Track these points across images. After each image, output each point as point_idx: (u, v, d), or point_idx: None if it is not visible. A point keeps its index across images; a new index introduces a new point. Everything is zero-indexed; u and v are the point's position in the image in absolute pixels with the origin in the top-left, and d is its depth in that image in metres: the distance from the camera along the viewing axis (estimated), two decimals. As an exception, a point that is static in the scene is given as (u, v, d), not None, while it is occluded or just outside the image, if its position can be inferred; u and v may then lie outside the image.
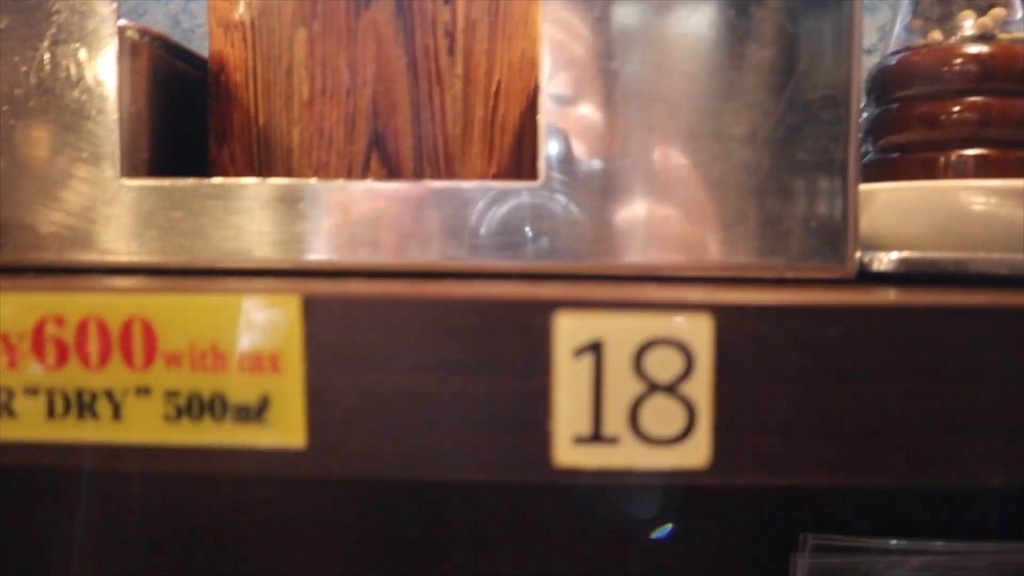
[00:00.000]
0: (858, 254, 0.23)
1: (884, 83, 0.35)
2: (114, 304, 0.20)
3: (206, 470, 0.20)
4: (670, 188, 0.24)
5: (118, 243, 0.27)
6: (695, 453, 0.18)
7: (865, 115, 0.36)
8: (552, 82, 0.25)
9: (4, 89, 0.27)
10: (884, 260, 0.23)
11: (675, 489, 0.46)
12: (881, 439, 0.17)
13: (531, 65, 0.29)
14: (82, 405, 0.20)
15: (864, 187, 0.28)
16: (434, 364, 0.19)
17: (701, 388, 0.18)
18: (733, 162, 0.23)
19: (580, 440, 0.19)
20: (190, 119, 0.30)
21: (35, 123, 0.27)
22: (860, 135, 0.37)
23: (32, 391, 0.20)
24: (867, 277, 0.23)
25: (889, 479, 0.17)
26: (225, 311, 0.19)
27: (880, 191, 0.28)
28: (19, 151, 0.27)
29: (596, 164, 0.24)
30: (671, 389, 0.18)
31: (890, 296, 0.18)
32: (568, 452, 0.19)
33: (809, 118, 0.23)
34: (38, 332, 0.20)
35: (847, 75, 0.22)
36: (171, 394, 0.20)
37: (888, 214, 0.27)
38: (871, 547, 0.43)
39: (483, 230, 0.25)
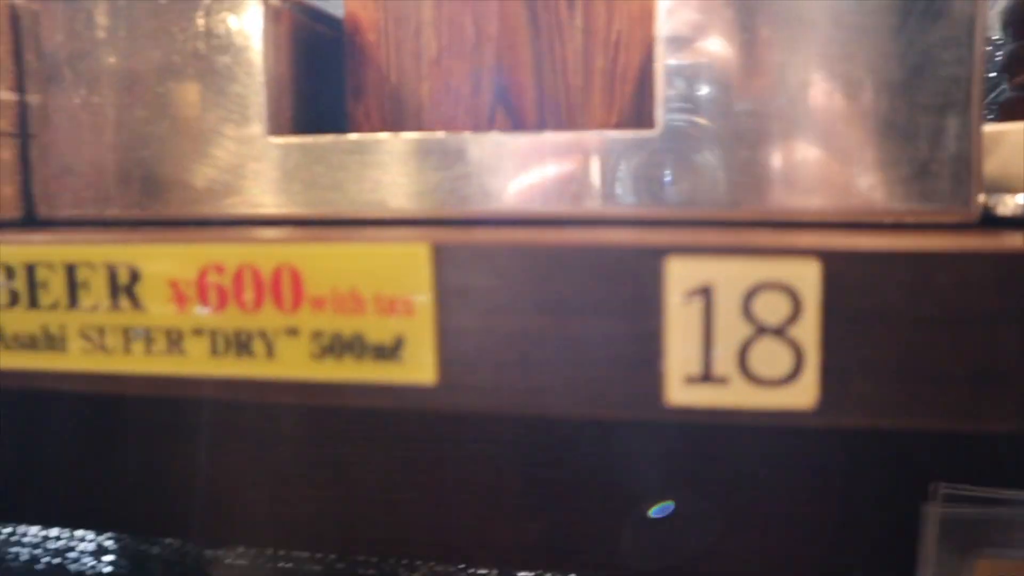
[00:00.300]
0: (982, 197, 0.22)
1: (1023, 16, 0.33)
2: (266, 253, 0.22)
3: (348, 403, 0.22)
4: (786, 134, 0.24)
5: (265, 196, 0.29)
6: (802, 394, 0.19)
7: (1001, 51, 0.34)
8: (668, 31, 0.25)
9: (165, 58, 0.30)
10: (1010, 203, 0.22)
11: (804, 436, 0.45)
12: (991, 384, 0.17)
13: (650, 14, 0.29)
14: (240, 344, 0.22)
15: (993, 128, 0.27)
16: (553, 307, 0.20)
17: (808, 331, 0.18)
18: (851, 105, 0.23)
19: (691, 380, 0.20)
20: (328, 78, 0.32)
21: (191, 88, 0.30)
22: (994, 72, 0.35)
23: (198, 332, 0.23)
24: (993, 221, 0.23)
25: (999, 424, 0.17)
26: (363, 259, 0.21)
27: (1010, 132, 0.26)
28: (178, 113, 0.30)
29: (712, 112, 0.25)
30: (779, 332, 0.19)
31: (1003, 241, 0.18)
32: (679, 391, 0.20)
33: (930, 59, 0.22)
34: (201, 279, 0.23)
35: (971, 13, 0.22)
36: (316, 335, 0.22)
37: (1019, 155, 0.26)
38: (1009, 499, 0.41)
39: (603, 178, 0.26)
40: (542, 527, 0.48)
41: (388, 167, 0.28)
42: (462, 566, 0.52)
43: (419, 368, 0.21)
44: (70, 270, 0.23)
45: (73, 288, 0.23)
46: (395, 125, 0.31)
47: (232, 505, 0.54)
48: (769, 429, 0.45)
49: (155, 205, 0.30)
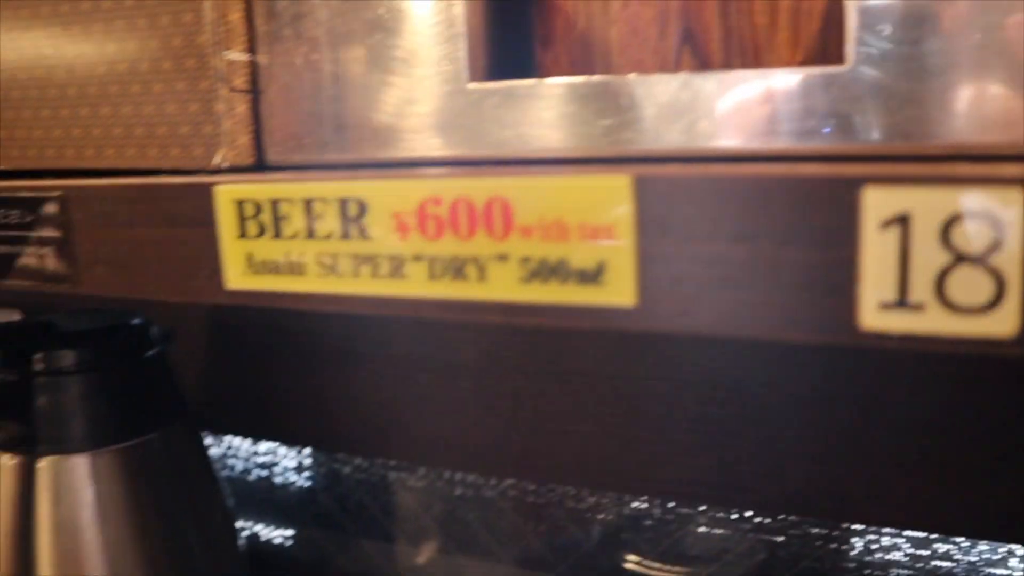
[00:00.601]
0: None
1: None
2: (479, 187, 0.24)
3: (553, 323, 0.24)
4: (983, 64, 0.24)
5: (467, 138, 0.32)
6: (1002, 323, 0.19)
7: None
8: (862, -36, 0.25)
9: (374, 14, 0.32)
10: None
11: (999, 372, 0.44)
12: None
13: (841, -51, 0.29)
14: (455, 269, 0.25)
15: None
16: (748, 234, 0.21)
17: (1011, 260, 0.19)
18: (1062, 35, 0.23)
19: (885, 306, 0.20)
20: (517, 27, 0.34)
21: (397, 41, 0.32)
22: None
23: (418, 258, 0.25)
24: None
25: None
26: (569, 190, 0.23)
27: None
28: (385, 65, 0.33)
29: (903, 45, 0.25)
30: (979, 261, 0.19)
31: None
32: (874, 317, 0.21)
33: None
34: (421, 211, 0.25)
35: None
36: (525, 260, 0.24)
37: None
38: None
39: (791, 114, 0.27)
40: (711, 464, 0.49)
41: (580, 109, 0.30)
42: (628, 498, 0.54)
43: (619, 292, 0.23)
44: (308, 204, 0.27)
45: (310, 220, 0.27)
46: (583, 71, 0.32)
47: (418, 430, 0.59)
48: (954, 364, 0.44)
49: (366, 149, 0.33)
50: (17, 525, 0.48)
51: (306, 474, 0.66)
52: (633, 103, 0.29)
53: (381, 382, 0.59)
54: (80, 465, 0.49)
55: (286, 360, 0.63)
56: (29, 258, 0.35)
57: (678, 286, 0.22)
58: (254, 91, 0.34)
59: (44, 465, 0.48)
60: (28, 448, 0.48)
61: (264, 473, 0.68)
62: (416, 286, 0.26)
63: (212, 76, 0.34)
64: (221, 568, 0.55)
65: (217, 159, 0.34)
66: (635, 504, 0.55)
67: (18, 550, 0.48)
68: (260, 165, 0.35)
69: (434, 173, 0.26)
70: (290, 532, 0.68)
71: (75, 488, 0.49)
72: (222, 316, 0.65)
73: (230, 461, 0.69)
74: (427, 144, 0.32)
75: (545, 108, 0.30)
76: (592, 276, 0.23)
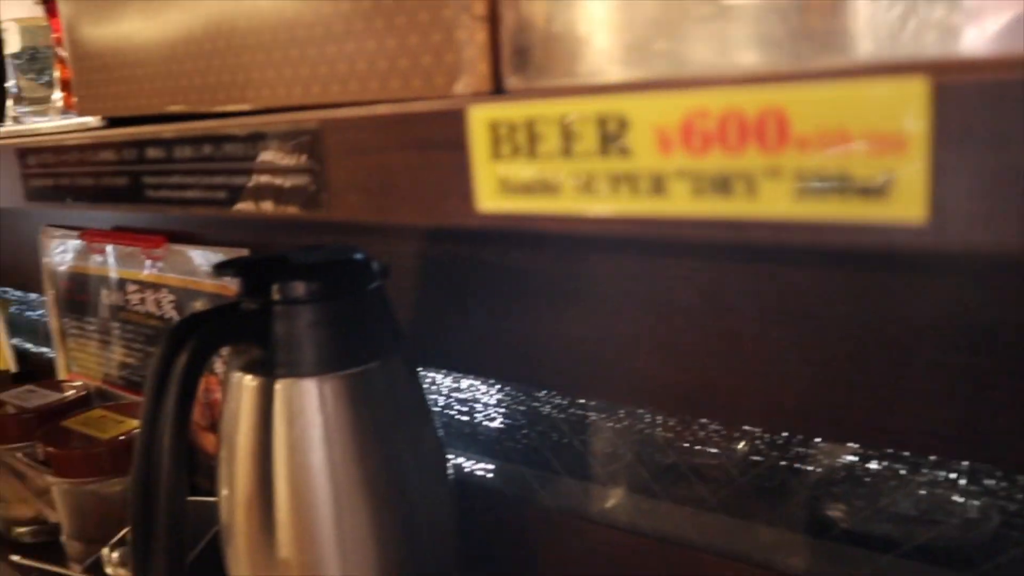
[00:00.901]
0: None
1: None
2: (751, 98, 0.23)
3: (830, 243, 0.23)
4: None
5: (719, 54, 0.30)
6: None
7: None
8: None
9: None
10: None
11: None
12: None
13: None
14: (721, 185, 0.24)
15: None
16: (1073, 141, 0.19)
17: None
18: None
19: None
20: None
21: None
22: None
23: (680, 174, 0.25)
24: None
25: None
26: (854, 97, 0.22)
27: None
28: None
29: None
30: None
31: None
32: None
33: None
34: (686, 126, 0.25)
35: None
36: (799, 174, 0.23)
37: None
38: None
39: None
40: (949, 417, 0.46)
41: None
42: (846, 449, 0.52)
43: (908, 207, 0.21)
44: (564, 123, 0.27)
45: (566, 139, 0.27)
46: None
47: (624, 370, 0.59)
48: None
49: (605, 72, 0.33)
50: (259, 441, 0.52)
51: (505, 411, 0.68)
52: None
53: (589, 321, 0.59)
54: (310, 388, 0.52)
55: (491, 298, 0.64)
56: (286, 188, 0.37)
57: (979, 199, 0.21)
58: (493, 18, 0.35)
59: (280, 387, 0.52)
60: (267, 371, 0.52)
61: (465, 408, 0.70)
62: (678, 204, 0.25)
63: (454, 5, 0.34)
64: (433, 493, 0.58)
65: (458, 87, 0.34)
66: (852, 457, 0.52)
67: (260, 464, 0.52)
68: (499, 91, 0.35)
69: (704, 83, 0.25)
70: (491, 465, 0.70)
71: (306, 409, 0.52)
72: (431, 253, 0.67)
73: (432, 396, 0.72)
74: (676, 62, 0.31)
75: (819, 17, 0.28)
76: (877, 190, 0.22)
